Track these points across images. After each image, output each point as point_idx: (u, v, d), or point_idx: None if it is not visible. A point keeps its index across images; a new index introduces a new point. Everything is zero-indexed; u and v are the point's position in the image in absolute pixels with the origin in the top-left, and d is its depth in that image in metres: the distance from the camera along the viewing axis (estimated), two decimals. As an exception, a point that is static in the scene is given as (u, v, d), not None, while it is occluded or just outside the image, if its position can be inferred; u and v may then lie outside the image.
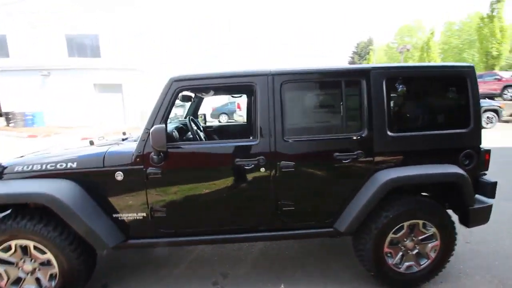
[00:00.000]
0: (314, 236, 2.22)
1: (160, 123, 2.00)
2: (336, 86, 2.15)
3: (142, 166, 2.03)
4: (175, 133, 2.48)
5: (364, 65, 2.34)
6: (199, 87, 2.21)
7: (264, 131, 2.07)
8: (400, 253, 2.22)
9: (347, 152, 2.10)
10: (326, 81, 2.19)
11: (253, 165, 2.06)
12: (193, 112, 3.64)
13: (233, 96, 3.76)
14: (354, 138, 2.12)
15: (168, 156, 2.03)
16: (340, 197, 2.17)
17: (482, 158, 2.23)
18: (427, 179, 2.09)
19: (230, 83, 2.14)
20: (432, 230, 2.18)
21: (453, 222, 2.20)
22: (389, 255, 2.21)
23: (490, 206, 2.23)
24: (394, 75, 2.14)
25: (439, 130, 2.18)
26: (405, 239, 2.19)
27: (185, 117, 3.24)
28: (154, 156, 1.99)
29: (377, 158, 2.12)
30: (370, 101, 2.10)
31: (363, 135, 2.11)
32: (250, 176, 2.10)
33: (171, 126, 2.59)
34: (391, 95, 2.14)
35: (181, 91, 2.09)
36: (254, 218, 2.19)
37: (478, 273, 2.41)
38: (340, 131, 2.15)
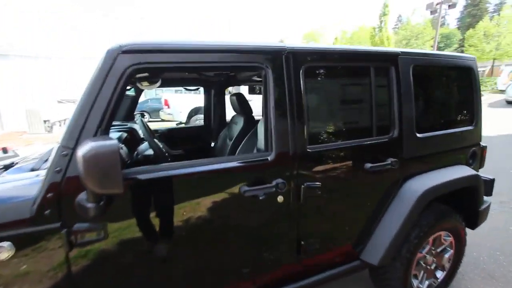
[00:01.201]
0: (340, 277, 1.66)
1: (95, 135, 1.02)
2: (365, 74, 1.60)
3: (58, 224, 0.99)
4: (124, 150, 1.44)
5: (391, 48, 1.71)
6: (167, 66, 1.24)
7: (282, 139, 1.34)
8: (422, 272, 1.91)
9: (380, 161, 1.60)
10: (356, 67, 1.61)
11: (267, 195, 1.31)
12: (128, 111, 2.52)
13: (186, 89, 2.79)
14: (384, 141, 1.64)
15: (124, 199, 1.07)
16: (368, 218, 1.67)
17: (482, 155, 2.14)
18: (458, 185, 1.82)
19: (223, 64, 1.30)
20: (449, 239, 1.96)
21: (464, 227, 2.02)
22: (415, 277, 1.87)
23: (490, 204, 2.16)
24: (421, 63, 1.76)
25: (457, 128, 1.94)
26: (426, 255, 1.89)
27: (126, 118, 2.13)
28: (89, 205, 0.97)
29: (405, 165, 1.71)
30: (400, 94, 1.65)
31: (393, 137, 1.65)
32: (261, 213, 1.35)
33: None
34: (417, 87, 1.76)
35: (136, 72, 1.12)
36: (267, 273, 1.45)
37: (469, 270, 2.36)
38: (370, 134, 1.63)
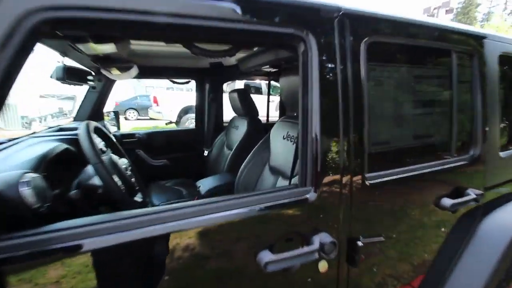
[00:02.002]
0: None
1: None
2: (445, 62, 1.06)
3: None
4: (37, 185, 0.83)
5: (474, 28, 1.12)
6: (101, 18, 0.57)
7: (332, 164, 0.78)
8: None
9: (460, 194, 1.06)
10: (436, 50, 1.05)
11: (305, 263, 0.75)
12: (94, 109, 1.91)
13: (173, 82, 2.18)
14: (463, 164, 1.10)
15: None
16: (439, 269, 1.14)
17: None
18: None
19: (221, 23, 0.71)
20: None
21: None
22: None
23: None
24: (509, 52, 1.23)
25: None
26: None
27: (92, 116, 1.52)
28: None
29: (485, 195, 1.18)
30: (484, 94, 1.12)
31: (474, 157, 1.12)
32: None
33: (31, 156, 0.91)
34: (503, 84, 1.23)
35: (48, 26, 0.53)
36: None
37: None
38: (447, 152, 1.09)
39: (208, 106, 2.32)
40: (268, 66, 1.75)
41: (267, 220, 0.74)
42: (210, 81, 2.26)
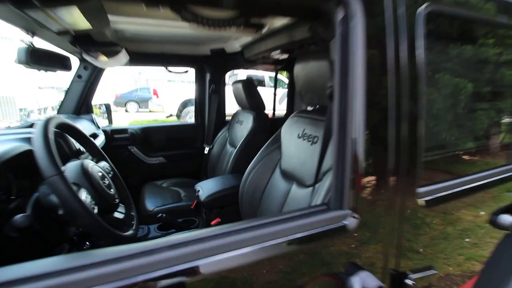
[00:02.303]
0: None
1: None
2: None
3: None
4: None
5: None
6: None
7: (380, 177, 0.56)
8: None
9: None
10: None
11: None
12: (81, 101, 1.69)
13: (170, 71, 1.95)
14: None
15: None
16: None
17: None
18: None
19: None
20: None
21: None
22: None
23: None
24: None
25: None
26: None
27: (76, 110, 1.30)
28: None
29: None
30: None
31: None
32: None
33: None
34: None
35: None
36: None
37: None
38: None
39: (208, 98, 2.09)
40: (278, 52, 1.52)
41: (288, 258, 0.53)
42: (211, 70, 2.03)
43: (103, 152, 0.95)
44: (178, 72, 1.93)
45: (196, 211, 1.54)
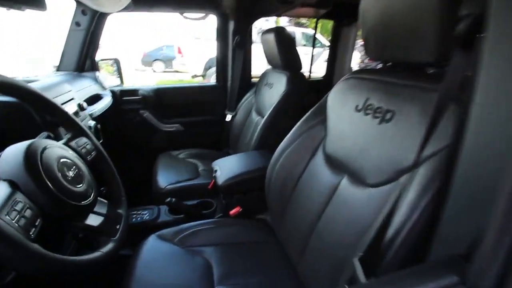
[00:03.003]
0: None
1: None
2: None
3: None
4: None
5: None
6: None
7: None
8: None
9: None
10: None
11: None
12: (83, 55, 1.42)
13: (185, 17, 1.57)
14: None
15: None
16: None
17: None
18: None
19: None
20: None
21: None
22: None
23: None
24: None
25: None
26: None
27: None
28: None
29: None
30: None
31: None
32: None
33: None
34: None
35: None
36: None
37: None
38: None
39: (232, 54, 1.72)
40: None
41: None
42: (235, 17, 1.62)
43: (80, 123, 0.68)
44: (195, 18, 1.54)
45: (214, 192, 1.31)
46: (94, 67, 1.55)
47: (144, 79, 7.99)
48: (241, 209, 1.05)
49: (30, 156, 0.46)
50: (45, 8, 0.86)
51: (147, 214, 1.13)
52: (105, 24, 1.46)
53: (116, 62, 1.75)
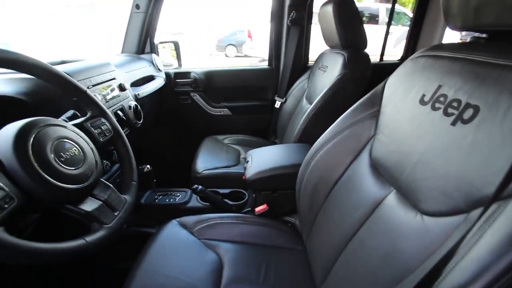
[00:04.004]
0: None
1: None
2: None
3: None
4: None
5: None
6: None
7: None
8: None
9: None
10: None
11: None
12: (143, 37, 1.49)
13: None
14: None
15: None
16: None
17: None
18: None
19: None
20: None
21: None
22: None
23: None
24: None
25: None
26: None
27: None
28: None
29: None
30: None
31: None
32: None
33: None
34: None
35: None
36: None
37: None
38: None
39: (286, 32, 1.55)
40: None
41: None
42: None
43: (98, 102, 0.67)
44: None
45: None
46: (153, 49, 1.62)
47: (212, 63, 8.38)
48: (267, 208, 0.94)
49: (22, 134, 0.46)
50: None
51: (179, 197, 1.14)
52: (162, 5, 1.49)
53: (175, 44, 1.80)
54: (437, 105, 0.50)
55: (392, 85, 0.66)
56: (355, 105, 0.76)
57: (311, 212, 0.80)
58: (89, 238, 0.49)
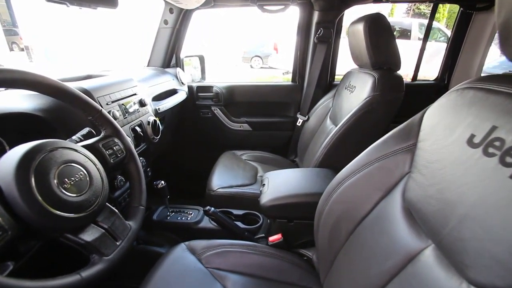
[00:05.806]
0: None
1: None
2: None
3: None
4: None
5: None
6: None
7: None
8: None
9: None
10: None
11: None
12: (169, 52, 1.52)
13: (264, 9, 1.46)
14: None
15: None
16: None
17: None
18: None
19: None
20: None
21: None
22: None
23: None
24: None
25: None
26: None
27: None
28: None
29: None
30: None
31: None
32: None
33: None
34: None
35: None
36: None
37: None
38: None
39: (312, 49, 1.50)
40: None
41: None
42: (321, 6, 1.38)
43: (112, 121, 0.66)
44: (275, 11, 1.40)
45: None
46: (178, 63, 1.64)
47: (240, 75, 8.51)
48: (281, 238, 0.87)
49: (25, 159, 0.44)
50: (117, 5, 0.90)
51: (192, 215, 1.10)
52: (189, 21, 1.51)
53: (200, 58, 1.82)
54: (490, 150, 0.41)
55: (432, 118, 0.58)
56: (387, 135, 0.68)
57: (331, 249, 0.72)
58: (85, 274, 0.46)
